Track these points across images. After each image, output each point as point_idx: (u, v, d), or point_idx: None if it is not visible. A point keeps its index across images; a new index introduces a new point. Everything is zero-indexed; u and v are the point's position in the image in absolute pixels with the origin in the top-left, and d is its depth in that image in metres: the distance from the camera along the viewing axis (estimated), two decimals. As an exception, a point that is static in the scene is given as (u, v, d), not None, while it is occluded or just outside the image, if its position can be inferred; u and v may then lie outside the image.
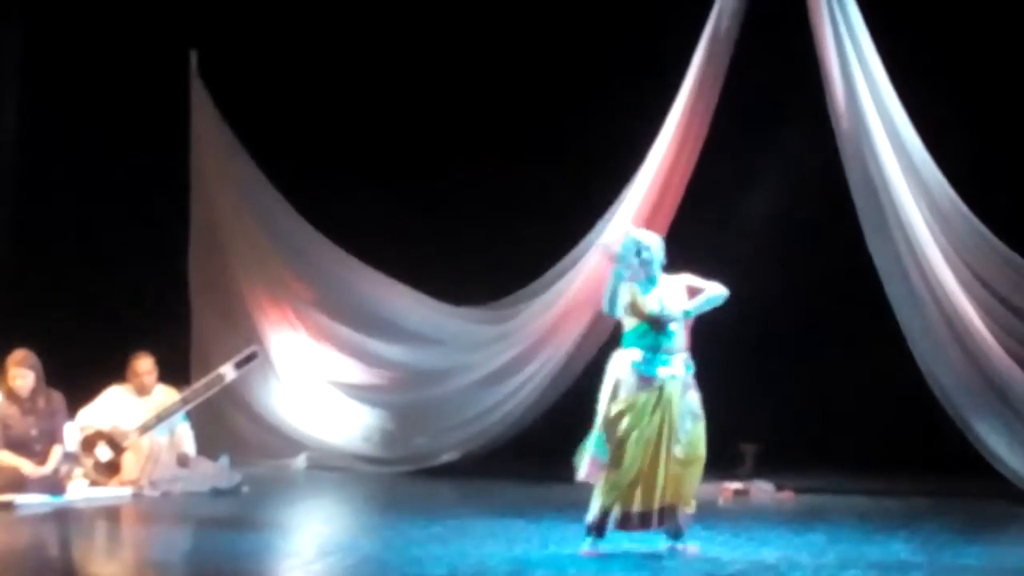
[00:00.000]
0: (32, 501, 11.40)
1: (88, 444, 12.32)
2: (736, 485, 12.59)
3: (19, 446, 11.76)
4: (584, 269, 13.29)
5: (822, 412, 14.22)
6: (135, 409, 12.49)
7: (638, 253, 9.34)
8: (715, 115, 12.92)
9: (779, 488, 12.82)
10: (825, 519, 11.16)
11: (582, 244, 13.36)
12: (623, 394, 9.21)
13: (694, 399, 9.31)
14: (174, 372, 13.30)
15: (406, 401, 14.24)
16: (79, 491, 11.98)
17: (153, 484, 12.13)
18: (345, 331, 14.46)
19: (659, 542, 9.38)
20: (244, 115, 14.67)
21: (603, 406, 9.30)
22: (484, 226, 14.52)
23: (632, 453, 9.13)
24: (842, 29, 12.47)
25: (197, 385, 12.92)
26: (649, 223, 12.96)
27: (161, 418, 12.46)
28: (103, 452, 12.32)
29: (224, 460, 12.81)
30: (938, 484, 13.02)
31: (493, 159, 14.55)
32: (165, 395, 12.65)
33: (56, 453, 11.86)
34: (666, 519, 9.26)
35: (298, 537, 10.63)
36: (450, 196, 14.66)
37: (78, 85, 14.69)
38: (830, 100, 12.59)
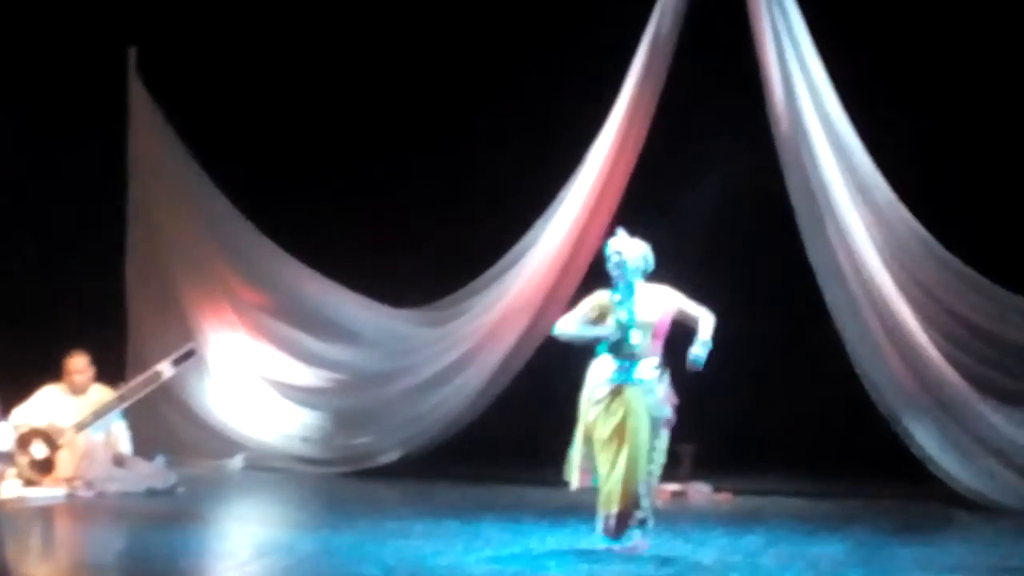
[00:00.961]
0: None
1: (23, 442, 12.21)
2: (673, 487, 12.60)
3: (-48, 446, 11.66)
4: (524, 270, 13.29)
5: (759, 414, 14.27)
6: (70, 408, 12.38)
7: (610, 259, 9.47)
8: (656, 116, 12.95)
9: (716, 490, 12.87)
10: (762, 521, 11.21)
11: (521, 243, 13.36)
12: (596, 400, 9.34)
13: (665, 405, 9.37)
14: (110, 370, 13.17)
15: (346, 402, 14.17)
16: (12, 490, 11.86)
17: (88, 484, 12.03)
18: (285, 330, 14.39)
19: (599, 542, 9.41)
20: (184, 112, 14.56)
21: (582, 413, 9.44)
22: (424, 226, 14.49)
23: (603, 458, 9.26)
24: (782, 32, 12.52)
25: (134, 382, 12.81)
26: (589, 223, 13.05)
27: (98, 415, 12.36)
28: (38, 449, 12.21)
29: (160, 460, 12.72)
30: (874, 486, 13.11)
31: (434, 159, 14.54)
32: (100, 394, 12.54)
33: (-11, 453, 11.77)
34: (627, 521, 9.31)
35: (234, 538, 10.57)
36: (390, 195, 14.60)
37: (14, 82, 14.53)
38: (770, 102, 12.65)
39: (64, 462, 12.15)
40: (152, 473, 12.42)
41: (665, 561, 9.19)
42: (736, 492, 12.81)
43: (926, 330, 12.41)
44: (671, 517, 10.83)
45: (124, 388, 12.67)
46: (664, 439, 9.42)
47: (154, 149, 14.63)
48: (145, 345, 14.32)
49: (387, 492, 12.86)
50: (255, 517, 11.88)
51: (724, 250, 14.19)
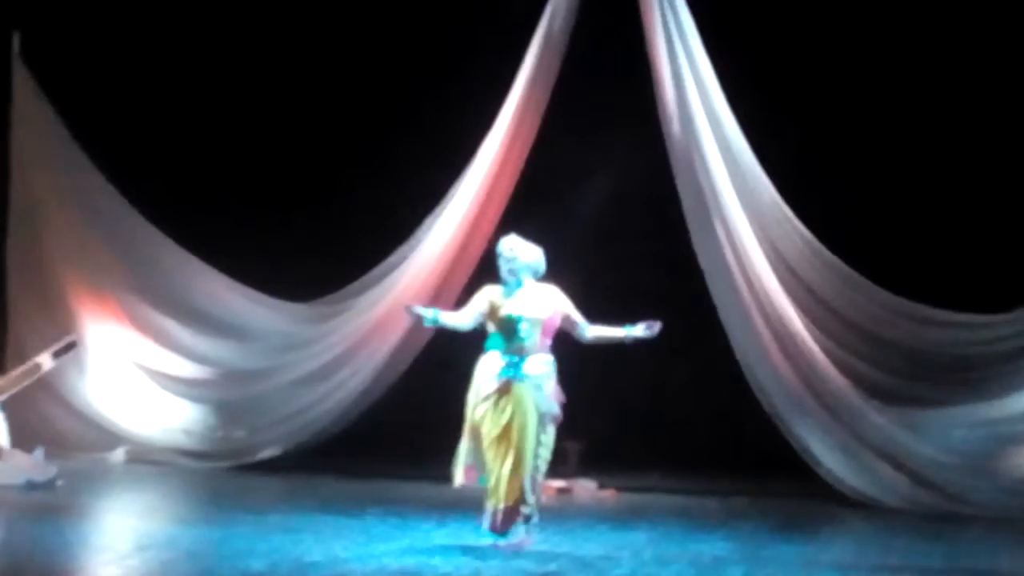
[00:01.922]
0: None
1: (-100, 433, 11.98)
2: (559, 483, 12.63)
3: None
4: (411, 266, 13.25)
5: (645, 411, 14.36)
6: (-54, 401, 12.17)
7: (502, 256, 9.46)
8: (547, 113, 12.98)
9: (601, 486, 12.91)
10: (646, 517, 11.27)
11: (411, 240, 13.32)
12: (484, 397, 9.33)
13: (553, 401, 9.37)
14: (-11, 362, 12.99)
15: (227, 395, 14.05)
16: None
17: (-36, 477, 11.82)
18: (168, 323, 14.22)
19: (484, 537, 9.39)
20: (69, 99, 14.33)
21: (469, 411, 9.41)
22: (313, 222, 14.41)
23: (492, 454, 9.24)
24: (673, 33, 12.60)
25: (13, 374, 12.64)
26: (479, 218, 13.04)
27: (-25, 407, 12.15)
28: (-85, 440, 11.99)
29: (39, 452, 12.48)
30: (757, 483, 13.24)
31: (325, 153, 14.46)
32: (-22, 386, 12.34)
33: None
34: (513, 517, 9.30)
35: (114, 531, 10.42)
36: (281, 189, 14.51)
37: None
38: (660, 102, 12.71)
39: (-59, 454, 11.94)
40: (31, 465, 12.19)
41: (550, 557, 9.19)
42: (621, 489, 12.87)
43: (811, 331, 12.56)
44: (556, 513, 10.86)
45: (2, 380, 12.46)
46: (551, 435, 9.43)
47: (37, 134, 14.37)
48: (25, 336, 14.10)
49: (271, 486, 12.77)
50: (136, 511, 11.71)
51: (614, 248, 14.25)
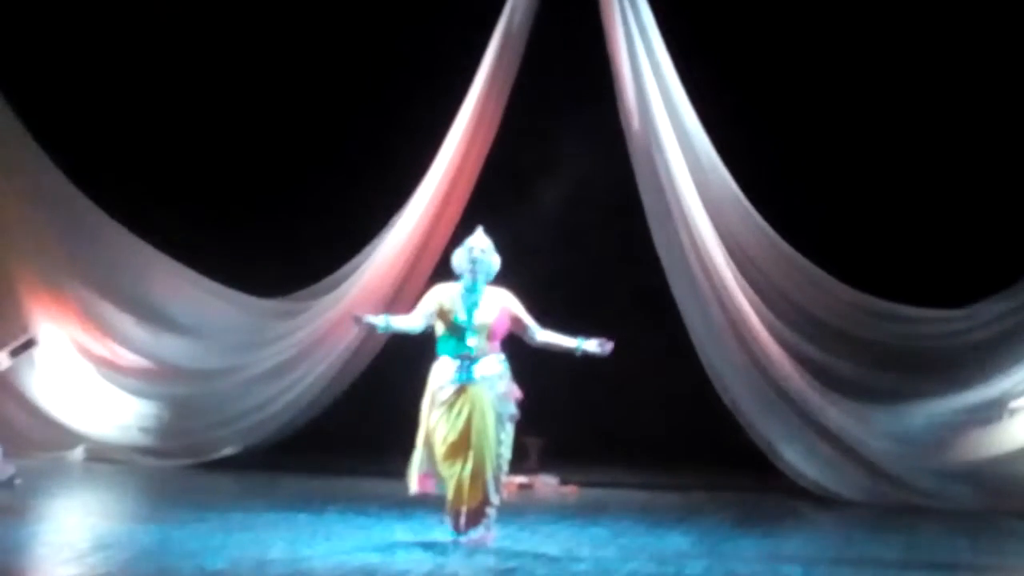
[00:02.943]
0: None
1: None
2: (520, 479, 12.64)
3: None
4: (371, 265, 13.23)
5: (606, 407, 14.38)
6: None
7: (469, 254, 9.42)
8: (507, 110, 12.97)
9: (563, 482, 12.93)
10: (608, 513, 11.29)
11: (374, 241, 13.29)
12: (441, 402, 9.31)
13: (508, 400, 9.36)
14: (-56, 362, 12.84)
15: (187, 393, 13.99)
16: None
17: (-78, 476, 11.72)
18: (126, 321, 14.14)
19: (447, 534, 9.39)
20: (27, 95, 14.22)
21: (423, 418, 9.40)
22: (276, 221, 14.37)
23: (450, 460, 9.23)
24: (633, 29, 12.64)
25: (-31, 374, 12.53)
26: (440, 214, 13.03)
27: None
28: None
29: (-4, 451, 12.43)
30: (718, 478, 13.27)
31: (287, 150, 14.42)
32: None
33: None
34: (478, 518, 9.30)
35: (73, 530, 10.34)
36: (250, 183, 14.46)
37: None
38: (620, 98, 12.73)
39: (-103, 453, 11.83)
40: (-12, 465, 12.13)
41: (511, 553, 9.19)
42: (582, 484, 12.89)
43: (770, 325, 12.62)
44: (518, 509, 10.86)
45: (-41, 379, 12.38)
46: (510, 433, 9.42)
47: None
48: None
49: (231, 484, 12.71)
50: (95, 509, 11.64)
51: (573, 244, 14.26)
